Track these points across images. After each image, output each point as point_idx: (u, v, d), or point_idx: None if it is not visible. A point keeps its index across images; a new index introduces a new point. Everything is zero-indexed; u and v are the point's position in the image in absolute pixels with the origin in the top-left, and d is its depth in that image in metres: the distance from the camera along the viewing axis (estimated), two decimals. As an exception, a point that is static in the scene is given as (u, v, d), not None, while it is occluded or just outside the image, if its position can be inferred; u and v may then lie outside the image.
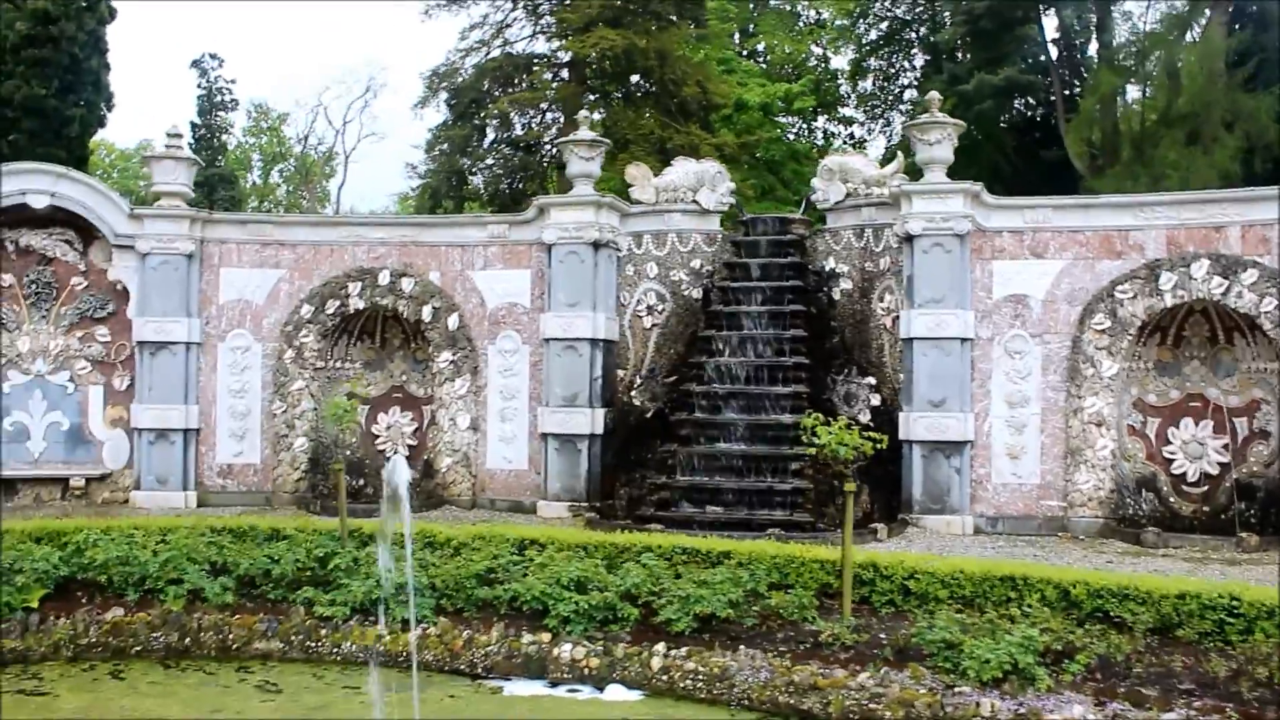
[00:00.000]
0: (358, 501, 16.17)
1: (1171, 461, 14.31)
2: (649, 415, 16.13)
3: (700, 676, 9.49)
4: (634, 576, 10.37)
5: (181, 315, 16.00)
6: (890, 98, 34.91)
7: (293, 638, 10.51)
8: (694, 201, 16.69)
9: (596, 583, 10.43)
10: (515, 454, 16.16)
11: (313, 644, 10.47)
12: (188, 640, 10.53)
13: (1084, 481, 14.13)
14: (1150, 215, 14.05)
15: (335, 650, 10.41)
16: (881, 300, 15.61)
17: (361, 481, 16.96)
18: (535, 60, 28.39)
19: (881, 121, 35.16)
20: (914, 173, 15.61)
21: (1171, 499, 14.24)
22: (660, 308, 16.55)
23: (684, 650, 9.76)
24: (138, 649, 10.46)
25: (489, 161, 28.80)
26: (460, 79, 28.24)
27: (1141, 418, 14.43)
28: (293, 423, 16.38)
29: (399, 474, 7.73)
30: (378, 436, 16.99)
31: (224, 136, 40.28)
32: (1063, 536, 13.94)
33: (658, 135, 23.56)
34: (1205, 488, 14.17)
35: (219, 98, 38.64)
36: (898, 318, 15.12)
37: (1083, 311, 14.19)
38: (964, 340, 14.39)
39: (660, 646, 9.84)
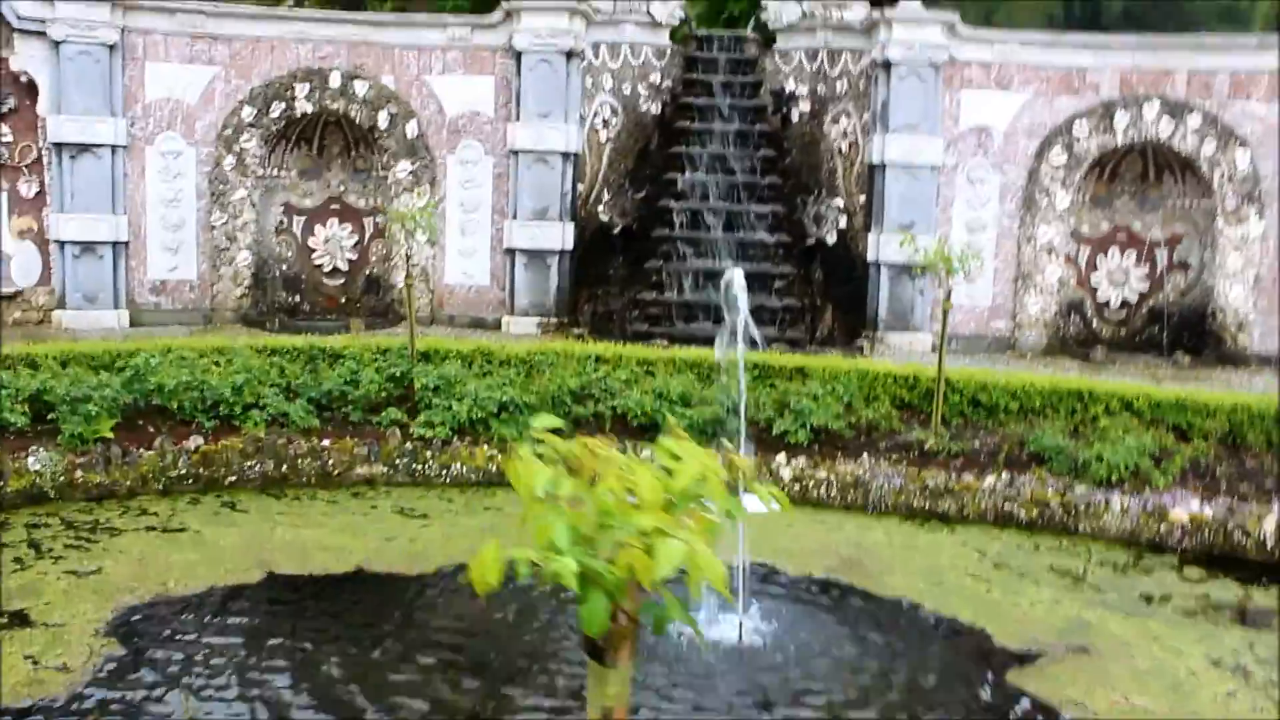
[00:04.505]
0: (295, 318, 15.47)
1: (1097, 289, 15.87)
2: (615, 231, 16.10)
3: (834, 485, 10.09)
4: (735, 392, 10.68)
5: (106, 114, 14.30)
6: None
7: (397, 462, 10.23)
8: (647, 13, 16.34)
9: (699, 397, 10.71)
10: (476, 269, 15.78)
11: (418, 466, 10.24)
12: (285, 468, 10.02)
13: (1032, 304, 15.49)
14: (1107, 56, 15.12)
15: (444, 472, 10.24)
16: (836, 123, 16.07)
17: (298, 298, 16.12)
18: None
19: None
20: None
21: (1094, 322, 15.87)
22: (614, 121, 16.32)
23: (803, 460, 10.29)
24: (231, 479, 9.86)
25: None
26: None
27: (1075, 247, 15.85)
28: (234, 235, 15.25)
29: (738, 283, 7.48)
30: (314, 250, 16.09)
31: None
32: (1010, 354, 15.31)
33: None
34: (1123, 313, 15.85)
35: None
36: (854, 143, 15.70)
37: (1041, 144, 15.24)
38: (934, 167, 15.18)
39: (781, 457, 10.32)
